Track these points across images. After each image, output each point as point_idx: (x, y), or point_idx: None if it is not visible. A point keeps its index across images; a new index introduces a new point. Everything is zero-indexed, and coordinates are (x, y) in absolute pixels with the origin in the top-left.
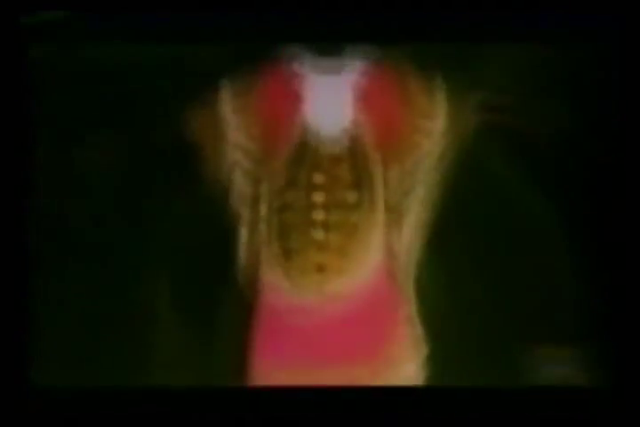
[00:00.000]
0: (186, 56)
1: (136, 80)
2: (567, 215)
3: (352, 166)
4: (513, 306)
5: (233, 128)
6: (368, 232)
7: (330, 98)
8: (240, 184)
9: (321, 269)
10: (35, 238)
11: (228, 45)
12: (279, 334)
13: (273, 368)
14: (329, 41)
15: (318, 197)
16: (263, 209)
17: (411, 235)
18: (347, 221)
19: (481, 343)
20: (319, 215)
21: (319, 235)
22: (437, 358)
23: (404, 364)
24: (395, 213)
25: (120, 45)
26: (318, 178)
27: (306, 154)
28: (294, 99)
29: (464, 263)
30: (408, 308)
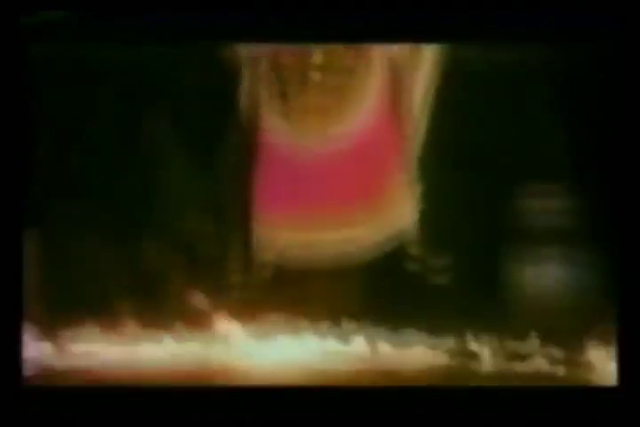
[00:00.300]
0: (186, 56)
1: (136, 80)
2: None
3: None
4: (511, 152)
5: None
6: (368, 76)
7: None
8: None
9: (320, 111)
10: (34, 237)
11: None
12: (280, 173)
13: (274, 204)
14: (331, 42)
15: None
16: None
17: (425, 82)
18: (345, 65)
19: (477, 187)
20: (318, 59)
21: (317, 77)
22: (432, 198)
23: (399, 204)
24: (409, 63)
25: (120, 45)
26: None
27: None
28: None
29: (465, 116)
30: (408, 152)
